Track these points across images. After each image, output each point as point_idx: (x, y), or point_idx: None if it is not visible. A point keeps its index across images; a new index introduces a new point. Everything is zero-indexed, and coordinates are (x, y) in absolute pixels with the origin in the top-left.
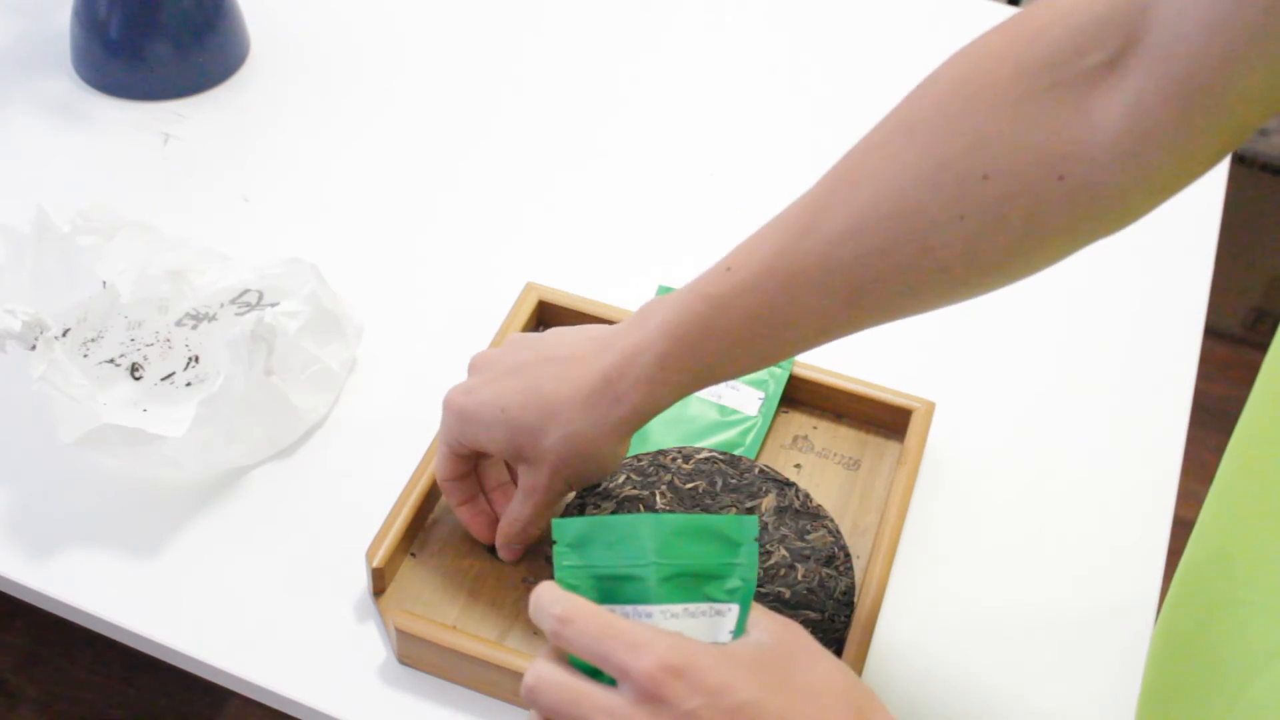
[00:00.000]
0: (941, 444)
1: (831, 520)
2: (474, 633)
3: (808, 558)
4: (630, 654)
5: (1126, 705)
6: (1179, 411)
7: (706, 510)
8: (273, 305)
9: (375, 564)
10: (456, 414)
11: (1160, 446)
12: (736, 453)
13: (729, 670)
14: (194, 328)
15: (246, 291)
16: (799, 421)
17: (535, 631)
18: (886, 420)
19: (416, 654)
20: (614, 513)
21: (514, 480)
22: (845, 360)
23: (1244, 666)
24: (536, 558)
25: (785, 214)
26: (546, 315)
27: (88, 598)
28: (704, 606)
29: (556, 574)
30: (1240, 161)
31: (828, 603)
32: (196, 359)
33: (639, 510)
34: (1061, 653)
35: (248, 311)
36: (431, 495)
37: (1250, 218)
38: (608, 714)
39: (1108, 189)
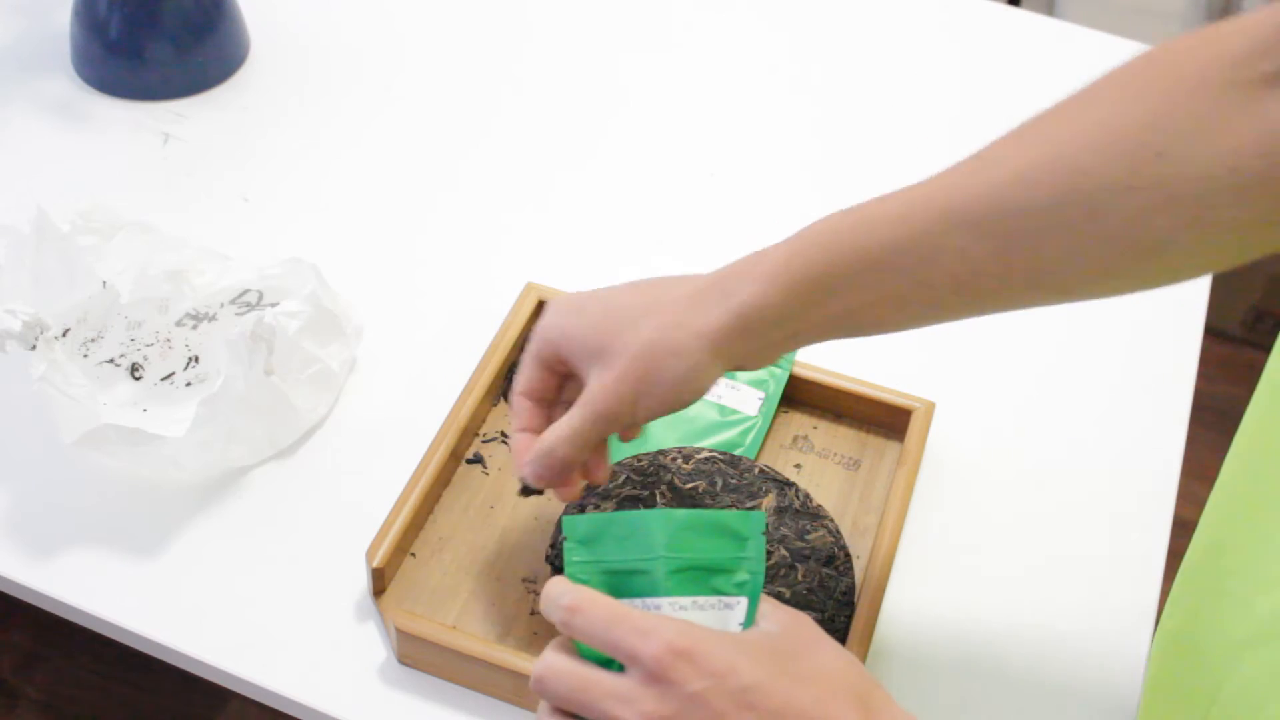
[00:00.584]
0: (941, 444)
1: (831, 520)
2: (474, 633)
3: (808, 558)
4: (638, 638)
5: (1127, 705)
6: (1179, 411)
7: None
8: (273, 305)
9: (375, 564)
10: (556, 306)
11: (1160, 446)
12: (736, 453)
13: (735, 654)
14: (194, 328)
15: (246, 291)
16: (799, 421)
17: (535, 631)
18: (886, 420)
19: (416, 654)
20: (615, 512)
21: None
22: (845, 360)
23: (1225, 657)
24: (537, 557)
25: (949, 167)
26: None
27: (88, 598)
28: (712, 600)
29: (566, 569)
30: None
31: (828, 603)
32: (196, 359)
33: (638, 510)
34: (1061, 652)
35: (248, 311)
36: (431, 495)
37: None
38: (616, 698)
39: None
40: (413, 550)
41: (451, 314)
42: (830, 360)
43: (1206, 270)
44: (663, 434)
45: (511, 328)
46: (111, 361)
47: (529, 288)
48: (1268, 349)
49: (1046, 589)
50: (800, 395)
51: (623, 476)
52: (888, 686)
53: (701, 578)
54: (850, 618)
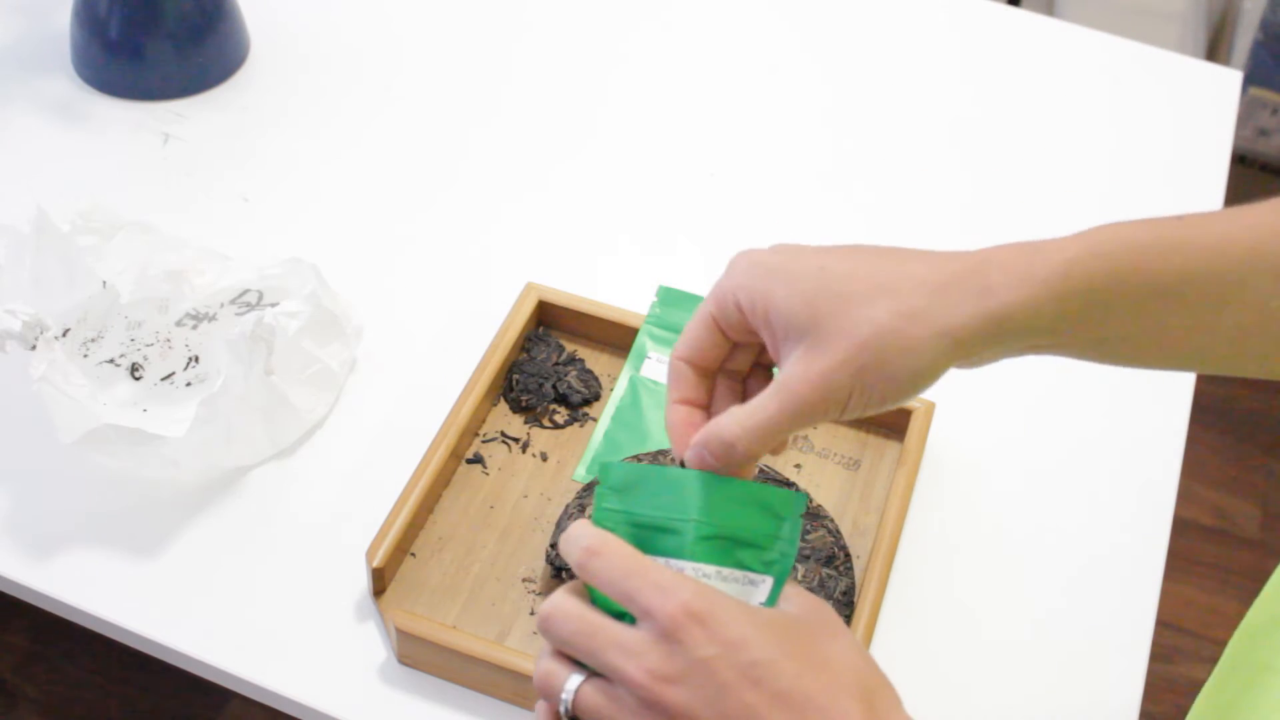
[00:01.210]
0: (941, 444)
1: (831, 520)
2: (474, 633)
3: (808, 558)
4: (655, 593)
5: (1127, 705)
6: (1179, 411)
7: None
8: (273, 305)
9: (375, 564)
10: (750, 264)
11: (1160, 446)
12: None
13: (749, 626)
14: (194, 328)
15: (246, 291)
16: None
17: (535, 631)
18: (886, 420)
19: (416, 654)
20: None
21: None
22: None
23: None
24: (537, 557)
25: (1251, 205)
26: (546, 315)
27: (88, 598)
28: (737, 573)
29: (595, 514)
30: (1240, 161)
31: (828, 603)
32: (196, 359)
33: None
34: (1061, 652)
35: (248, 311)
36: (431, 495)
37: None
38: (621, 648)
39: None
40: (413, 550)
41: (451, 314)
42: None
43: None
44: (663, 434)
45: (511, 328)
46: (111, 361)
47: (529, 288)
48: None
49: (1046, 589)
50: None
51: None
52: None
53: (730, 549)
54: (850, 618)
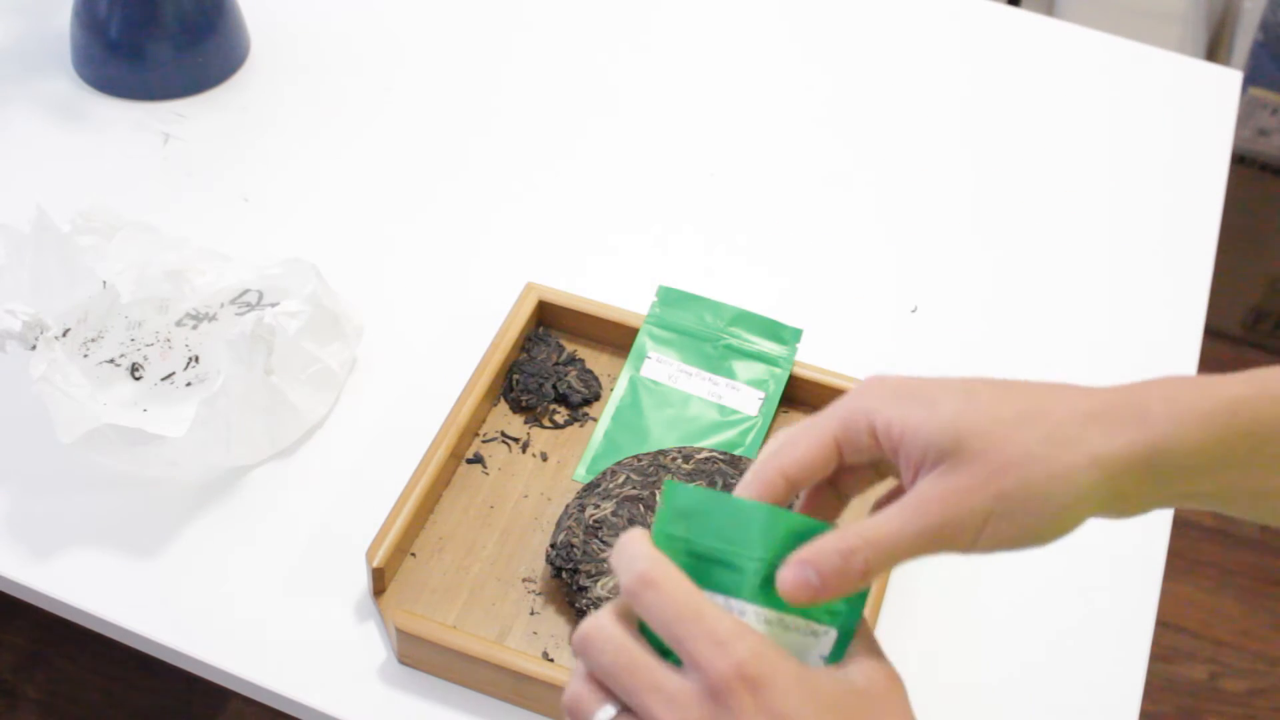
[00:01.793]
0: None
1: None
2: (474, 633)
3: None
4: (710, 646)
5: (1127, 705)
6: None
7: None
8: (273, 305)
9: (375, 564)
10: (886, 388)
11: None
12: (736, 453)
13: (804, 700)
14: (194, 328)
15: (246, 291)
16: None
17: (535, 631)
18: None
19: (416, 654)
20: (613, 513)
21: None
22: (845, 360)
23: None
24: (537, 557)
25: None
26: (546, 315)
27: (88, 598)
28: (801, 622)
29: (655, 535)
30: (1240, 161)
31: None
32: (196, 359)
33: (639, 510)
34: (1061, 652)
35: (248, 311)
36: (431, 495)
37: (1250, 218)
38: (662, 696)
39: None
40: (413, 550)
41: (451, 314)
42: (830, 360)
43: None
44: (663, 434)
45: (511, 328)
46: (111, 361)
47: (529, 288)
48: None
49: (1046, 588)
50: (800, 395)
51: (623, 476)
52: None
53: None
54: None
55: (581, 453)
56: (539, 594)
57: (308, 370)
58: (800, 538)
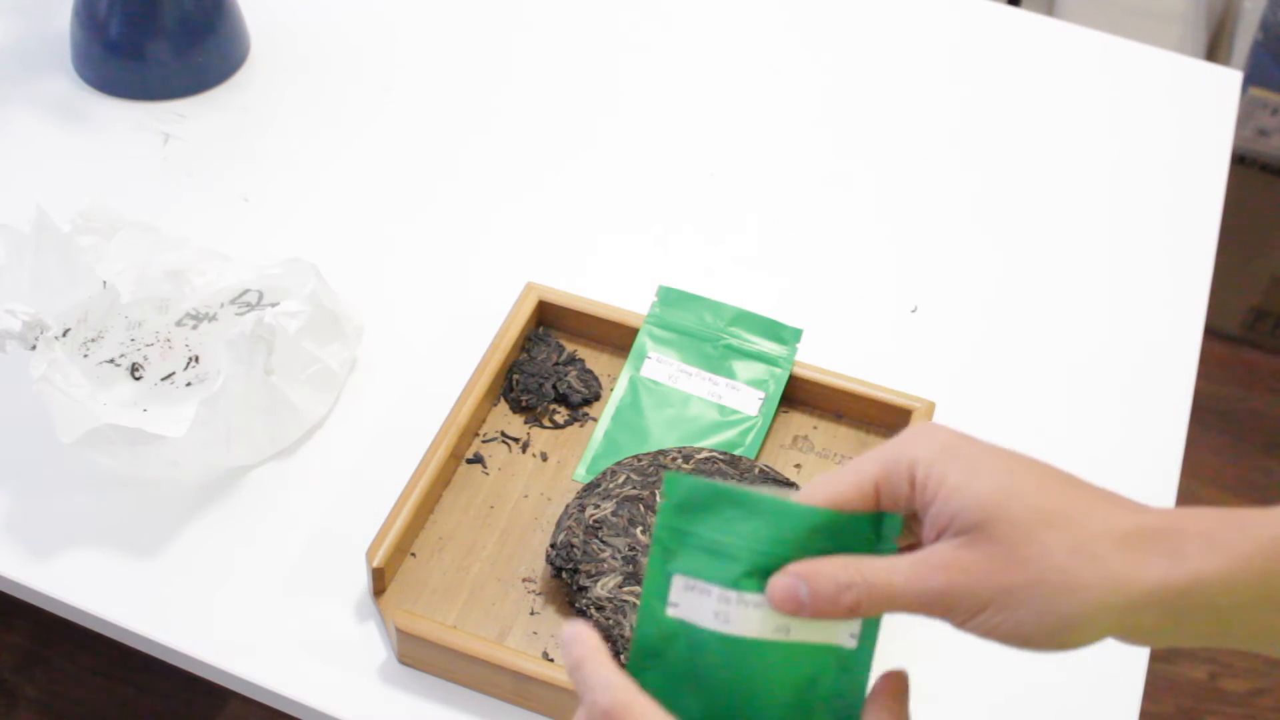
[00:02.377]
0: None
1: None
2: (474, 633)
3: None
4: None
5: (1127, 705)
6: (1179, 411)
7: None
8: (273, 305)
9: (375, 564)
10: (935, 440)
11: (1160, 447)
12: (736, 453)
13: None
14: (194, 328)
15: (246, 291)
16: (799, 421)
17: (535, 631)
18: (886, 420)
19: (416, 654)
20: (613, 513)
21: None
22: (845, 360)
23: None
24: (537, 557)
25: None
26: (546, 315)
27: (88, 598)
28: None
29: (657, 531)
30: (1240, 161)
31: None
32: (196, 359)
33: (639, 510)
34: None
35: (248, 311)
36: (431, 495)
37: (1250, 218)
38: None
39: None
40: (413, 550)
41: (451, 314)
42: (830, 360)
43: None
44: (663, 434)
45: (511, 328)
46: (111, 361)
47: (529, 288)
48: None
49: None
50: (800, 395)
51: (623, 476)
52: None
53: None
54: None
55: (581, 453)
56: (539, 594)
57: (308, 370)
58: (814, 524)
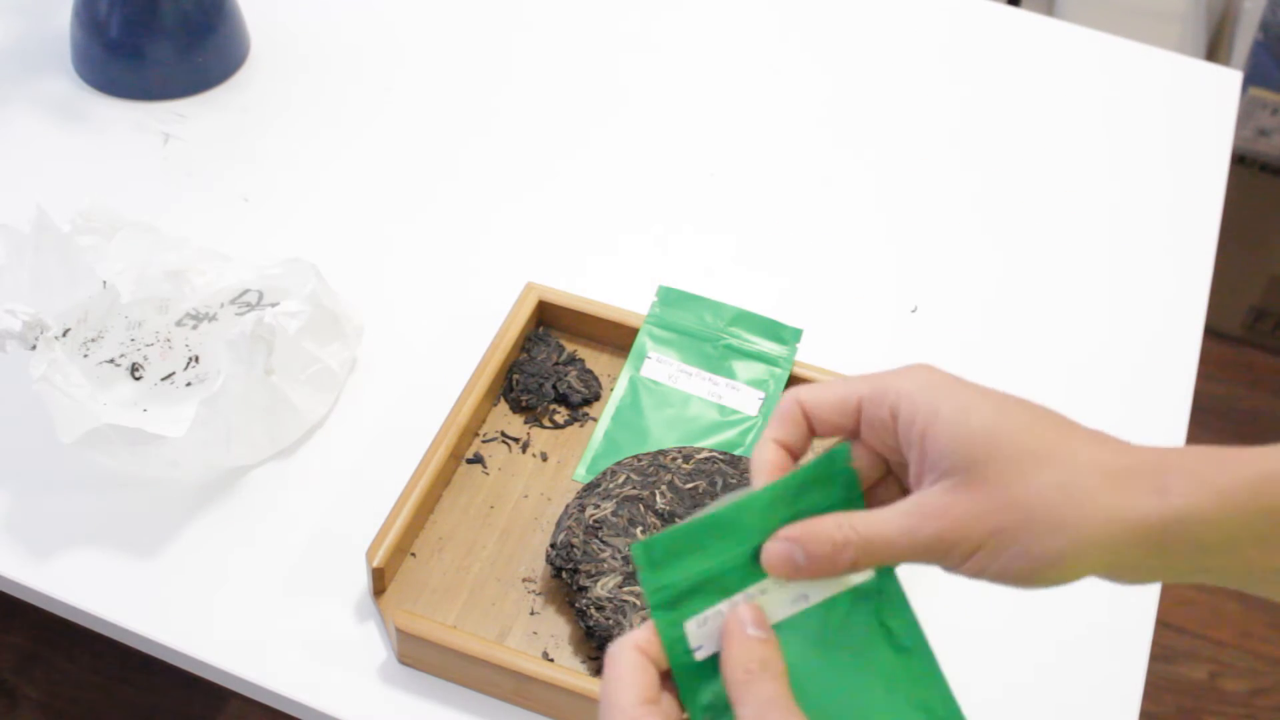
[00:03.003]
0: None
1: None
2: (474, 633)
3: None
4: None
5: (1127, 705)
6: (1179, 411)
7: None
8: (273, 305)
9: (375, 564)
10: (927, 378)
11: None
12: (736, 453)
13: None
14: (194, 328)
15: (246, 291)
16: None
17: (535, 631)
18: None
19: (416, 654)
20: (613, 513)
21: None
22: (845, 360)
23: None
24: (537, 557)
25: None
26: (546, 315)
27: (88, 598)
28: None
29: (646, 596)
30: (1240, 161)
31: None
32: (196, 359)
33: (639, 510)
34: (1062, 653)
35: (248, 311)
36: (431, 495)
37: (1250, 218)
38: None
39: None
40: (413, 550)
41: (451, 314)
42: (830, 360)
43: None
44: (663, 434)
45: (511, 328)
46: (111, 361)
47: (529, 288)
48: (1268, 349)
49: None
50: None
51: (623, 476)
52: None
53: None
54: None
55: (581, 453)
56: (539, 594)
57: (308, 370)
58: (778, 499)
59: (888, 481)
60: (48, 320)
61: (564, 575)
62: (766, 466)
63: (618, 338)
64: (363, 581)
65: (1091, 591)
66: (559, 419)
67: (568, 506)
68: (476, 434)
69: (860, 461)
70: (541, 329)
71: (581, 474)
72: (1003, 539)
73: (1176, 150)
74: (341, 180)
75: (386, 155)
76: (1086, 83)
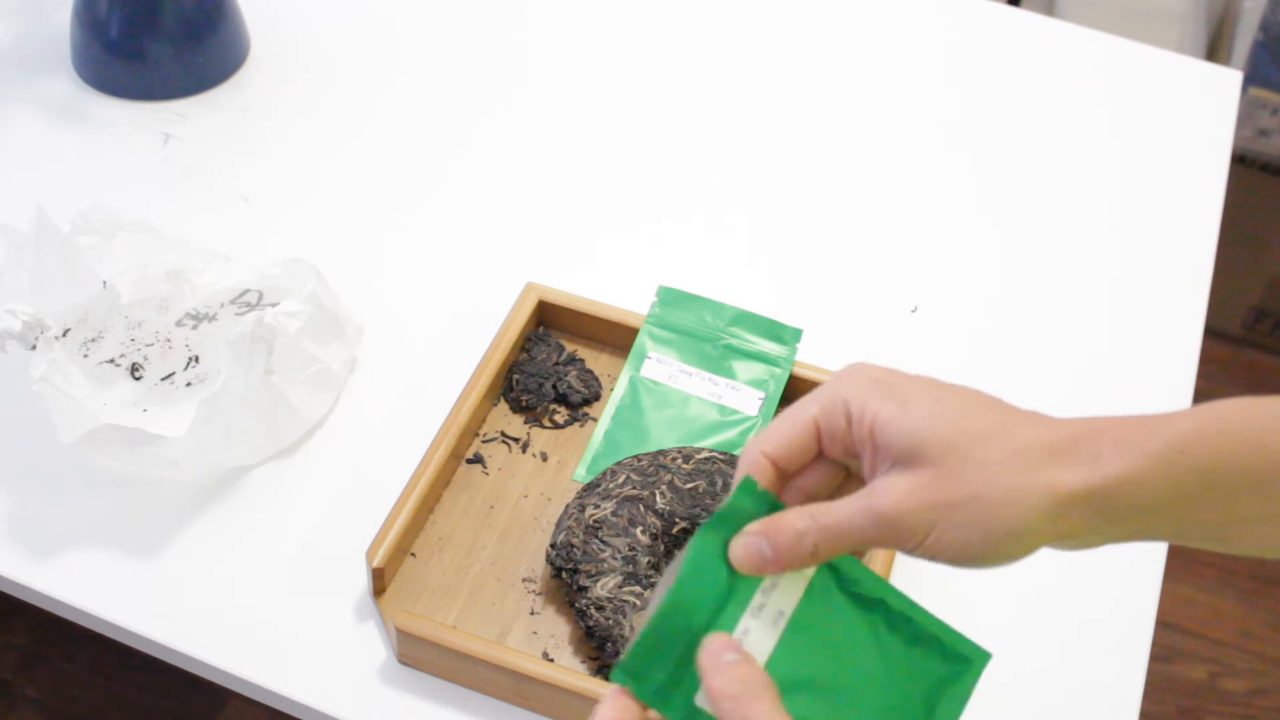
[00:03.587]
0: None
1: None
2: (474, 633)
3: None
4: None
5: (1127, 705)
6: None
7: (707, 511)
8: (273, 305)
9: (375, 564)
10: (865, 378)
11: None
12: (736, 453)
13: None
14: (194, 328)
15: (246, 291)
16: None
17: (535, 631)
18: None
19: (416, 654)
20: (613, 512)
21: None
22: (845, 360)
23: None
24: (537, 557)
25: None
26: (546, 315)
27: (88, 598)
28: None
29: (650, 705)
30: (1240, 161)
31: None
32: (196, 359)
33: (639, 510)
34: (1062, 653)
35: (248, 311)
36: (431, 495)
37: (1250, 218)
38: None
39: None
40: (413, 550)
41: (451, 314)
42: (829, 359)
43: None
44: (663, 434)
45: (511, 328)
46: (111, 361)
47: (529, 288)
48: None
49: (1046, 588)
50: (800, 395)
51: (623, 476)
52: None
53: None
54: None
55: (581, 453)
56: (539, 594)
57: (308, 370)
58: (711, 544)
59: (849, 484)
60: (48, 320)
61: (564, 575)
62: (752, 469)
63: (618, 338)
64: (363, 581)
65: (1091, 591)
66: (559, 419)
67: (568, 506)
68: (476, 434)
69: (816, 475)
70: (541, 329)
71: (581, 474)
72: (955, 514)
73: (1176, 150)
74: (341, 180)
75: (387, 154)
76: (1087, 83)
